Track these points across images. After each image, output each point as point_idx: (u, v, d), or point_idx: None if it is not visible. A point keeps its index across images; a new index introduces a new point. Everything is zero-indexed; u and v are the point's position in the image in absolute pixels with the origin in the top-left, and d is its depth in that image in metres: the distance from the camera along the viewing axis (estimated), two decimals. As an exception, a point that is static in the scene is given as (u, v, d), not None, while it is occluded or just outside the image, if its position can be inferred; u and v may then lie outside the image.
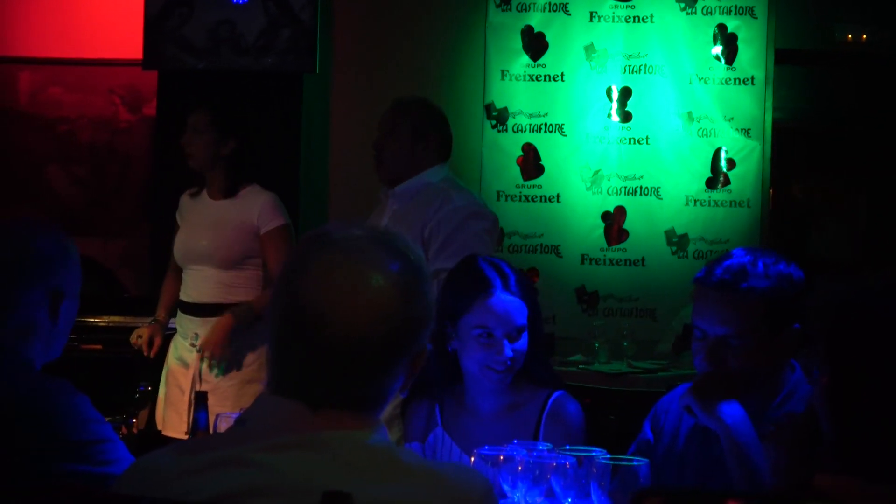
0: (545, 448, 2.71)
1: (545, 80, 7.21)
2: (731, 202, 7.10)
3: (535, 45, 7.22)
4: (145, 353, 5.02)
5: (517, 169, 7.20)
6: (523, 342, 3.16)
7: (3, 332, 2.61)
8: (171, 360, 5.11)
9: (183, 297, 5.10)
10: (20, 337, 2.63)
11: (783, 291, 2.73)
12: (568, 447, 2.70)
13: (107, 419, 2.64)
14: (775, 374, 2.81)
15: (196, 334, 4.99)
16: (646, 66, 7.14)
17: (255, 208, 5.02)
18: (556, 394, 3.20)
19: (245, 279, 5.00)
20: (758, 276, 2.72)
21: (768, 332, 2.73)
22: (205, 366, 4.95)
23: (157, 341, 5.05)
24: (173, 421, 5.00)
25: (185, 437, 4.86)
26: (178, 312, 5.13)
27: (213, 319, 4.92)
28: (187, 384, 4.97)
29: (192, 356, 4.99)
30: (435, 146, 4.76)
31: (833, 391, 2.06)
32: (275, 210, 5.03)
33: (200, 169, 5.11)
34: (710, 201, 7.11)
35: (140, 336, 5.04)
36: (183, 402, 4.97)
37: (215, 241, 4.99)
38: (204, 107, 5.12)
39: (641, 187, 7.13)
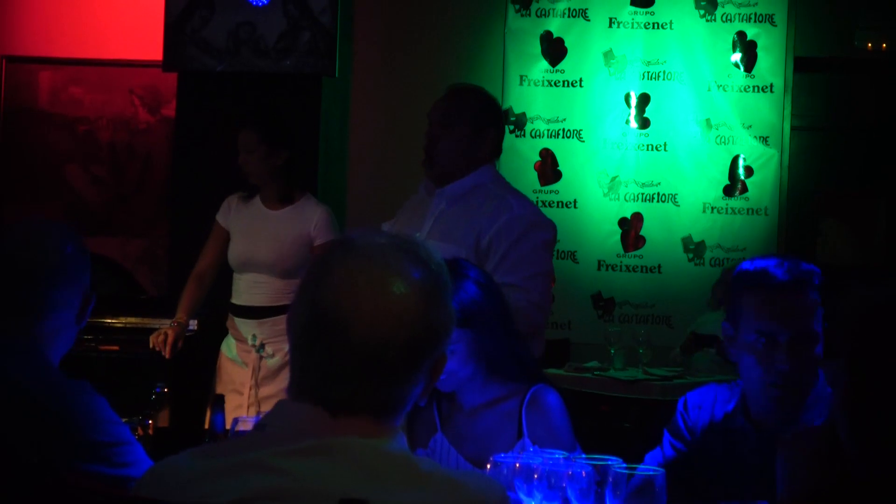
0: (560, 455, 2.71)
1: (563, 85, 7.22)
2: (748, 210, 7.10)
3: (554, 50, 7.23)
4: (166, 354, 5.04)
5: (534, 174, 7.22)
6: (451, 363, 3.09)
7: (34, 333, 2.63)
8: (225, 361, 5.23)
9: (236, 300, 5.22)
10: (50, 337, 2.65)
11: (821, 291, 2.79)
12: (584, 455, 2.70)
13: (123, 420, 2.66)
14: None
15: (254, 335, 5.13)
16: (664, 72, 7.15)
17: (313, 220, 5.16)
18: (535, 387, 3.19)
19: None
20: (815, 274, 2.79)
21: (821, 333, 2.78)
22: (265, 364, 5.11)
23: (180, 343, 5.09)
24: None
25: None
26: (231, 316, 5.24)
27: (270, 319, 5.08)
28: (246, 383, 5.09)
29: (250, 357, 5.13)
30: (492, 143, 4.33)
31: (854, 399, 2.06)
32: (329, 225, 5.17)
33: (260, 183, 5.22)
34: (727, 209, 7.10)
35: (166, 334, 5.06)
36: (242, 401, 5.06)
37: (276, 252, 5.12)
38: (250, 124, 5.20)
39: (659, 194, 7.14)
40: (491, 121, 4.36)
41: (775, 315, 2.79)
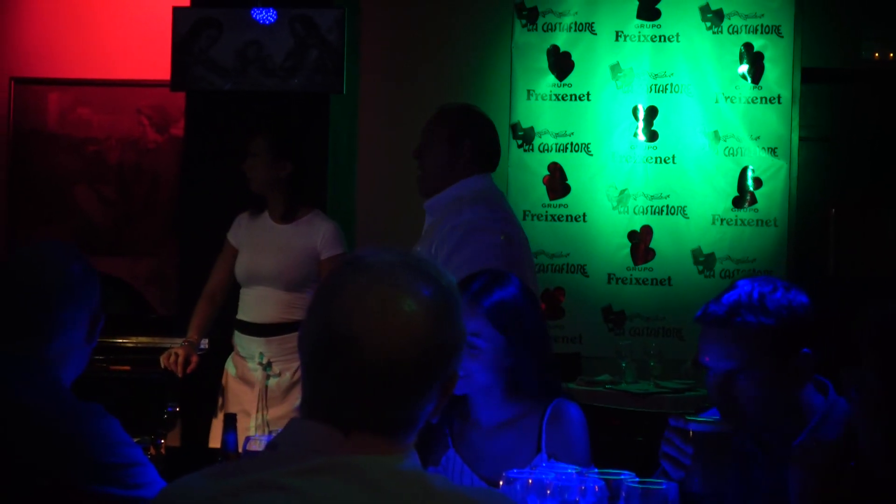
0: (573, 470, 2.70)
1: (571, 99, 7.22)
2: (757, 221, 7.09)
3: (561, 64, 7.24)
4: (178, 374, 5.05)
5: (543, 188, 7.22)
6: (476, 363, 3.09)
7: (44, 354, 2.64)
8: (232, 381, 5.23)
9: (243, 317, 5.22)
10: (60, 358, 2.66)
11: (782, 320, 2.67)
12: (596, 470, 2.69)
13: (135, 440, 2.66)
14: (794, 400, 2.76)
15: (261, 353, 5.12)
16: (672, 85, 7.15)
17: (319, 234, 5.18)
18: (554, 401, 3.17)
19: (304, 300, 5.09)
20: (753, 308, 2.67)
21: (774, 361, 2.68)
22: (271, 383, 5.10)
23: (194, 360, 5.10)
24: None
25: None
26: (237, 333, 5.24)
27: (277, 338, 5.08)
28: (253, 403, 5.10)
29: (256, 375, 5.12)
30: (470, 155, 4.46)
31: (887, 404, 2.05)
32: (336, 238, 5.19)
33: (260, 192, 5.26)
34: (736, 220, 7.10)
35: (177, 354, 5.07)
36: (250, 422, 5.05)
37: (282, 263, 5.14)
38: (262, 132, 5.29)
39: (668, 206, 7.13)
40: (466, 133, 4.47)
41: (701, 347, 2.77)
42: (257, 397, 5.10)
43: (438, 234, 4.33)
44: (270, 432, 4.73)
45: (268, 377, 5.11)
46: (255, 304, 5.17)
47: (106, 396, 2.69)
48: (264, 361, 5.10)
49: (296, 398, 5.08)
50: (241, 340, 5.22)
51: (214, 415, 5.27)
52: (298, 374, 5.07)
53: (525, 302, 3.17)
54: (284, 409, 5.07)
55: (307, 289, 5.10)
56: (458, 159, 4.45)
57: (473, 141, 4.48)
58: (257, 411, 5.07)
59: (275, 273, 5.13)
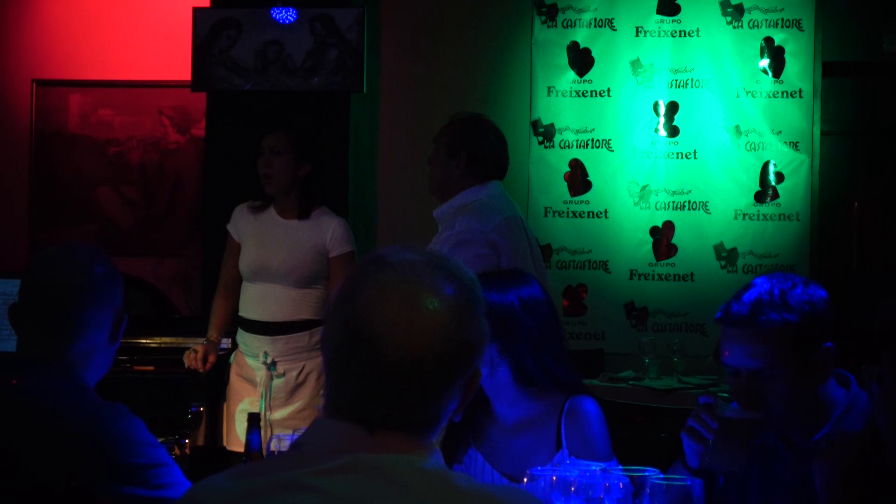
0: (597, 467, 2.70)
1: (591, 95, 7.21)
2: (780, 216, 7.06)
3: (581, 60, 7.22)
4: (199, 369, 5.04)
5: (564, 185, 7.21)
6: None
7: (68, 356, 2.65)
8: (235, 378, 5.19)
9: (246, 314, 5.17)
10: (83, 359, 2.67)
11: (805, 316, 2.66)
12: (621, 467, 2.69)
13: (160, 440, 2.67)
14: (817, 395, 2.76)
15: (265, 352, 5.06)
16: (692, 80, 7.13)
17: (328, 232, 5.13)
18: (571, 398, 3.17)
19: (312, 298, 5.09)
20: (776, 306, 2.65)
21: (798, 357, 2.68)
22: (275, 383, 5.06)
23: (212, 359, 5.08)
24: (239, 439, 5.01)
25: None
26: (241, 331, 5.20)
27: (283, 337, 5.04)
28: (256, 403, 5.06)
29: (260, 374, 5.07)
30: (465, 165, 4.62)
31: None
32: (346, 236, 5.16)
33: (278, 193, 5.18)
34: (758, 215, 7.08)
35: (195, 350, 5.06)
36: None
37: (291, 260, 5.08)
38: (281, 128, 5.21)
39: (690, 202, 7.11)
40: (463, 145, 4.63)
41: (723, 347, 2.75)
42: (259, 397, 5.06)
43: (436, 245, 4.46)
44: (275, 434, 4.73)
45: (272, 378, 5.06)
46: (261, 301, 5.11)
47: (130, 397, 2.71)
48: (269, 360, 5.04)
49: (299, 400, 5.06)
50: (244, 338, 5.18)
51: (222, 414, 5.23)
52: (303, 374, 5.06)
53: (519, 305, 3.14)
54: (288, 411, 5.04)
55: (315, 286, 5.08)
56: (455, 170, 4.62)
57: (469, 152, 4.62)
58: (261, 411, 5.01)
59: (285, 269, 5.07)
